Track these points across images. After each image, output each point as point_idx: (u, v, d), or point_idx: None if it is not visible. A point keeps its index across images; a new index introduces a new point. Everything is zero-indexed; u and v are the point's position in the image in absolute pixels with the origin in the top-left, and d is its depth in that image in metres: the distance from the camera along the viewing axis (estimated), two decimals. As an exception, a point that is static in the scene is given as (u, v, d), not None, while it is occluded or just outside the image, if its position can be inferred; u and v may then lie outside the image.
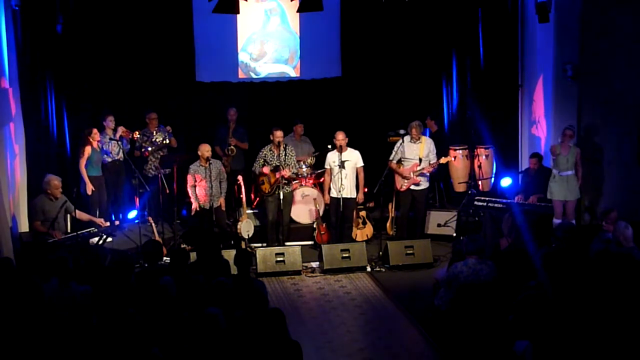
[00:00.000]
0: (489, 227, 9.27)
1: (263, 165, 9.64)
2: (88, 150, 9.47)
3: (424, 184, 9.76)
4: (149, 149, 10.30)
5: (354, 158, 9.55)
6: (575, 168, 9.09)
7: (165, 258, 8.08)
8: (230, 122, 10.81)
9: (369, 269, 9.15)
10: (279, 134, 9.58)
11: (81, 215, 8.81)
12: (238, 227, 9.77)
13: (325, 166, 9.71)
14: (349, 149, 9.50)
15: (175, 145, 10.48)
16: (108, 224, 8.96)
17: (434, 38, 11.73)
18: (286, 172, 9.56)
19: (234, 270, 7.00)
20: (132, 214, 9.60)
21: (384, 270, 9.13)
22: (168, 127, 10.41)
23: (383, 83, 11.87)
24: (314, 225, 10.23)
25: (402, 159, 9.73)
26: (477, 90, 11.61)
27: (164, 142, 10.34)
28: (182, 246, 9.29)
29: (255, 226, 9.97)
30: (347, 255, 9.13)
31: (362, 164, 9.64)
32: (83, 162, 9.46)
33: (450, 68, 11.84)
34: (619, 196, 9.55)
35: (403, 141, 9.73)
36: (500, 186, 10.36)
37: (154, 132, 10.39)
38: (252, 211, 10.45)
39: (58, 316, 5.06)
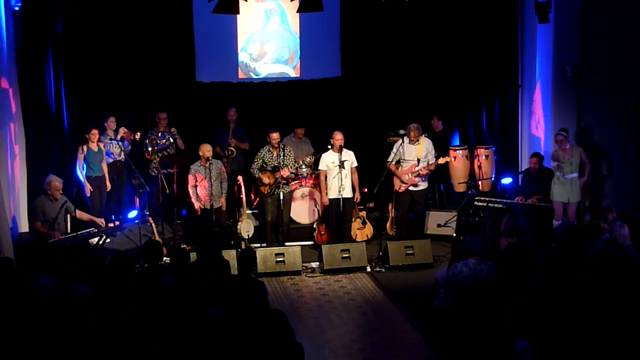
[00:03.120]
0: (489, 227, 9.26)
1: (261, 167, 9.65)
2: (83, 150, 9.46)
3: (423, 185, 9.76)
4: (149, 149, 10.30)
5: (350, 158, 9.55)
6: (581, 168, 9.11)
7: (165, 258, 8.09)
8: (230, 122, 10.81)
9: (369, 269, 9.15)
10: (275, 135, 9.60)
11: (81, 215, 8.82)
12: (238, 227, 9.78)
13: (321, 168, 9.67)
14: (344, 149, 9.50)
15: (182, 146, 10.49)
16: (110, 225, 8.97)
17: (433, 37, 11.73)
18: (285, 172, 9.57)
19: (234, 270, 7.01)
20: (132, 214, 9.61)
21: (384, 270, 9.13)
22: (173, 129, 10.43)
23: (383, 83, 11.87)
24: (314, 226, 10.24)
25: (401, 160, 9.73)
26: (477, 90, 11.63)
27: (167, 143, 10.35)
28: (182, 246, 9.30)
29: (255, 226, 9.98)
30: (347, 255, 9.13)
31: (356, 164, 9.64)
32: (80, 164, 9.45)
33: (450, 67, 11.85)
34: (619, 196, 9.55)
35: (403, 142, 9.73)
36: (500, 186, 10.37)
37: (160, 133, 10.40)
38: (252, 211, 10.45)
39: (58, 316, 5.06)
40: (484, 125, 11.59)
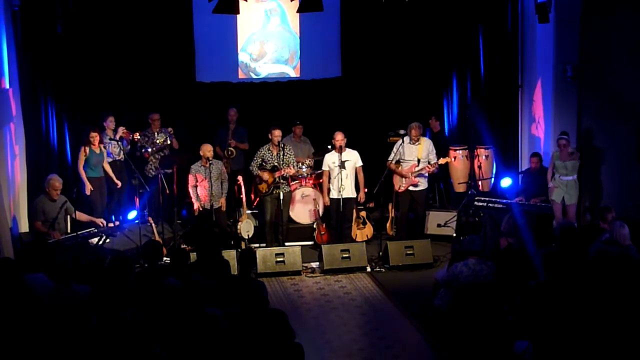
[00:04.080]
0: (489, 228, 9.27)
1: (260, 165, 9.66)
2: (85, 151, 9.46)
3: (423, 185, 9.76)
4: (149, 149, 10.29)
5: (353, 158, 9.56)
6: (580, 169, 9.15)
7: (165, 258, 8.09)
8: (230, 122, 10.82)
9: (369, 269, 9.15)
10: (277, 133, 9.60)
11: (81, 216, 8.82)
12: (238, 227, 9.78)
13: (323, 168, 9.70)
14: (347, 149, 9.51)
15: (176, 146, 10.48)
16: (110, 225, 8.96)
17: (433, 38, 11.74)
18: (290, 170, 9.57)
19: (234, 270, 7.01)
20: (132, 214, 9.61)
21: (384, 270, 9.13)
22: (169, 129, 10.42)
23: (383, 83, 11.88)
24: (314, 226, 10.24)
25: (401, 160, 9.73)
26: (477, 90, 11.63)
27: (165, 143, 10.35)
28: (182, 246, 9.30)
29: (255, 226, 9.98)
30: (347, 255, 9.13)
31: (361, 164, 9.65)
32: (81, 164, 9.46)
33: (450, 68, 11.85)
34: (620, 196, 9.55)
35: (403, 142, 9.73)
36: (500, 186, 10.36)
37: (155, 133, 10.39)
38: (251, 211, 10.45)
39: (58, 316, 5.06)
40: (483, 125, 11.57)
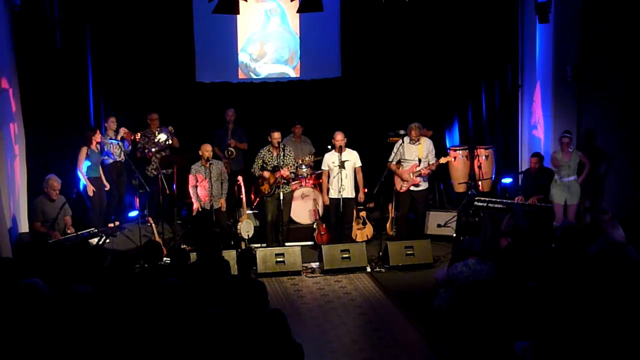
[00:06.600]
0: (489, 228, 9.26)
1: (262, 167, 9.66)
2: (85, 151, 9.45)
3: (423, 185, 9.76)
4: (153, 150, 10.28)
5: (353, 158, 9.57)
6: (580, 169, 9.12)
7: (165, 258, 8.09)
8: (229, 122, 10.81)
9: (369, 269, 9.15)
10: (276, 135, 9.61)
11: (68, 224, 8.75)
12: (238, 227, 9.78)
13: (323, 167, 9.71)
14: (347, 149, 9.51)
15: (177, 145, 10.48)
16: (110, 225, 8.93)
17: (433, 38, 11.74)
18: (285, 172, 9.58)
19: (234, 270, 7.01)
20: (133, 214, 9.62)
21: (384, 270, 9.14)
22: (170, 127, 10.41)
23: (383, 83, 11.88)
24: (314, 226, 10.24)
25: (402, 160, 9.73)
26: (477, 90, 11.63)
27: (167, 142, 10.34)
28: (182, 246, 9.30)
29: (255, 226, 9.98)
30: (347, 255, 9.13)
31: (360, 164, 9.65)
32: (81, 164, 9.44)
33: (450, 68, 11.85)
34: (620, 196, 9.55)
35: (403, 142, 9.73)
36: (500, 186, 10.37)
37: (156, 132, 10.39)
38: (252, 211, 10.45)
39: (58, 316, 5.06)
40: (484, 126, 11.59)
